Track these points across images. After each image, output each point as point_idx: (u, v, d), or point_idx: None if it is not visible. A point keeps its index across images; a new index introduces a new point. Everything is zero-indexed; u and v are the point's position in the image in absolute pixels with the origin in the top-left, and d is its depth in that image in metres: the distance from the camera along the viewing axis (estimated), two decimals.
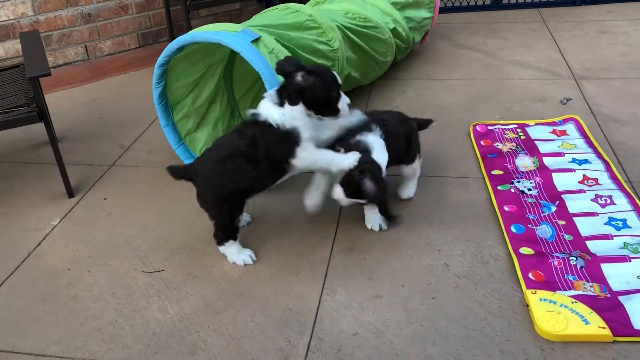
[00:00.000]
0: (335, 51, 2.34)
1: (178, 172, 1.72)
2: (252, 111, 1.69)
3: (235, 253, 1.76)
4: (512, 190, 2.01)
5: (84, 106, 2.94)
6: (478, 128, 2.41)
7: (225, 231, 1.73)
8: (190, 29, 3.37)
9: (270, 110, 1.64)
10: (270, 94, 1.68)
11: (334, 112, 1.67)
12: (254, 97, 2.44)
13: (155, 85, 2.12)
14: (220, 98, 2.36)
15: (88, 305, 1.65)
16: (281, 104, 1.64)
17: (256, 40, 1.96)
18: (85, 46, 3.46)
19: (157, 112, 2.18)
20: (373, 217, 1.87)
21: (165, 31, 3.69)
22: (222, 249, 1.77)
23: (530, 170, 2.10)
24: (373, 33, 2.57)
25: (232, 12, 3.89)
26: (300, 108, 1.64)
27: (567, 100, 2.58)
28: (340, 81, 1.69)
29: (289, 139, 1.64)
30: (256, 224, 1.94)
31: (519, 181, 2.05)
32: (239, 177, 1.66)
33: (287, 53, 2.06)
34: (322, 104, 1.65)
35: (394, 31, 2.74)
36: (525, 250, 1.71)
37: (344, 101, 1.68)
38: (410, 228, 1.86)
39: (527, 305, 1.51)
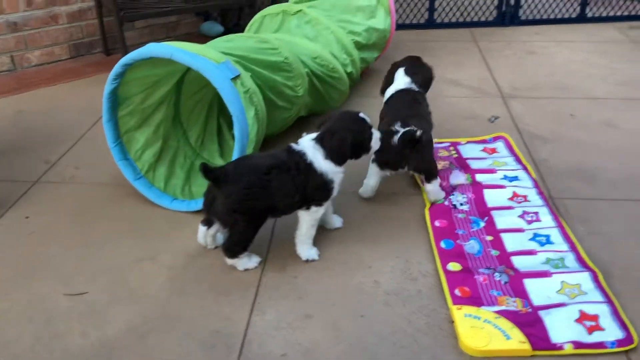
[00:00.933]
0: (298, 97, 2.37)
1: (211, 172, 1.65)
2: (297, 147, 1.76)
3: (246, 261, 1.76)
4: (446, 203, 2.05)
5: (8, 119, 2.81)
6: None
7: (244, 244, 1.73)
8: (124, 41, 3.31)
9: (317, 156, 1.74)
10: (314, 141, 1.77)
11: (367, 151, 1.86)
12: (195, 105, 2.37)
13: (110, 81, 2.01)
14: (169, 100, 2.28)
15: (3, 331, 1.57)
16: (326, 157, 1.75)
17: (235, 78, 1.95)
18: (12, 56, 3.32)
19: (104, 106, 2.05)
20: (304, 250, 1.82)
21: (99, 42, 3.59)
22: (234, 261, 1.76)
23: (463, 186, 2.15)
24: (335, 83, 2.61)
25: (168, 24, 3.83)
26: (342, 169, 1.79)
27: (495, 119, 2.67)
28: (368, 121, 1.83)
29: (327, 189, 1.77)
30: (186, 242, 1.89)
31: (452, 194, 2.09)
32: (281, 196, 1.71)
33: (259, 95, 2.08)
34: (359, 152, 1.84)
35: (349, 75, 2.78)
36: (453, 266, 1.74)
37: (375, 138, 1.85)
38: (342, 245, 1.86)
39: (453, 322, 1.53)
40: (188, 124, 2.35)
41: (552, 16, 4.02)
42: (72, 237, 1.94)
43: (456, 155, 2.38)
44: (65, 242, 1.91)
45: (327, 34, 2.72)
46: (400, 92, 2.22)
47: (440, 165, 2.30)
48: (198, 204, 2.03)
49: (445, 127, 2.61)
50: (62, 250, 1.88)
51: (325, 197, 1.78)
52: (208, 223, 1.82)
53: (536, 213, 1.98)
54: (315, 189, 1.75)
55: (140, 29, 3.71)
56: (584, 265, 1.72)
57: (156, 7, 3.34)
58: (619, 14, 4.03)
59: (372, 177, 2.07)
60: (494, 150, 2.41)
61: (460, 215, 1.99)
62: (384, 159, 2.01)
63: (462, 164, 2.31)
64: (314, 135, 1.78)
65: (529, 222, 1.94)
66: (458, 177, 2.21)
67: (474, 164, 2.30)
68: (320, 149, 1.74)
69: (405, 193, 2.14)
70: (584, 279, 1.66)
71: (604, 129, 2.55)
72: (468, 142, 2.49)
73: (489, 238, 1.88)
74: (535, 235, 1.88)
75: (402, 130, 1.94)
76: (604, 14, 4.02)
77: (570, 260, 1.75)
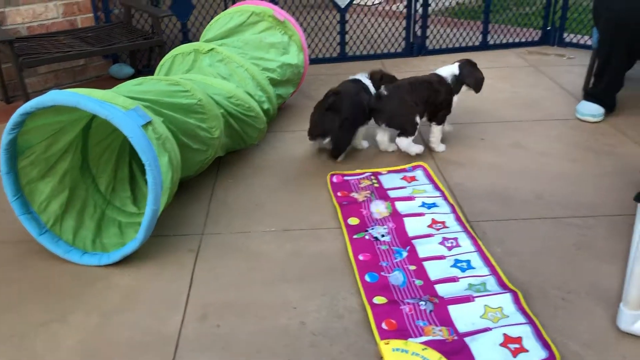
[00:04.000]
0: (213, 139, 2.31)
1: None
2: None
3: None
4: (367, 237, 2.04)
5: None
6: (334, 179, 2.45)
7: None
8: (25, 88, 3.14)
9: None
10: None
11: None
12: (104, 150, 2.26)
13: (7, 132, 1.86)
14: (75, 147, 2.16)
15: None
16: None
17: (146, 124, 1.87)
18: None
19: (1, 158, 1.89)
20: None
21: None
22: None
23: (384, 217, 2.16)
24: (251, 122, 2.57)
25: (75, 68, 3.68)
26: None
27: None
28: None
29: None
30: (99, 298, 1.78)
31: (373, 228, 2.09)
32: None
33: (172, 141, 2.00)
34: None
35: (266, 112, 2.76)
36: (379, 300, 1.73)
37: None
38: (266, 286, 1.81)
39: (382, 358, 1.51)
40: (97, 171, 2.24)
41: (457, 45, 4.20)
42: None
43: (377, 185, 2.39)
44: None
45: (241, 71, 2.70)
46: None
47: (362, 195, 2.31)
48: (111, 257, 1.93)
49: (363, 158, 2.63)
50: None
51: None
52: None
53: (455, 239, 2.01)
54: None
55: (44, 74, 3.54)
56: (505, 287, 1.75)
57: (58, 52, 3.19)
58: (517, 40, 4.28)
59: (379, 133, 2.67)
60: (413, 179, 2.45)
61: (382, 247, 1.99)
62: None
63: (382, 193, 2.32)
64: None
65: (450, 249, 1.97)
66: (378, 207, 2.22)
67: (394, 193, 2.33)
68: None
69: (328, 227, 2.12)
70: (505, 301, 1.69)
71: (513, 151, 2.65)
72: (389, 171, 2.52)
73: (412, 268, 1.88)
74: (457, 261, 1.90)
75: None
76: (504, 41, 4.26)
77: (491, 283, 1.78)
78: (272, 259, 1.94)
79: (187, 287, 1.81)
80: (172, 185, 1.98)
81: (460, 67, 2.65)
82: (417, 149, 2.62)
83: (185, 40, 3.83)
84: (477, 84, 2.66)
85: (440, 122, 2.64)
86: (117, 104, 1.86)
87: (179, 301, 1.75)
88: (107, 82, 3.70)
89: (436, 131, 2.66)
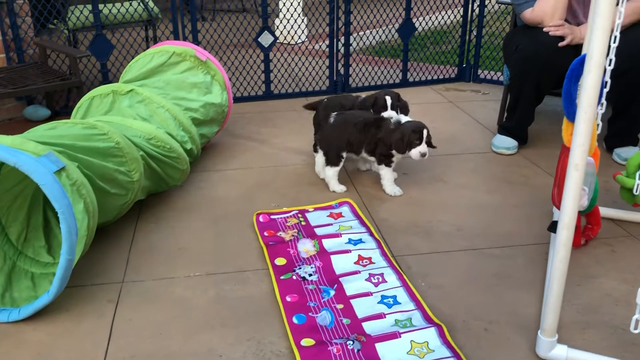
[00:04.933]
0: (133, 182, 2.24)
1: None
2: None
3: None
4: (294, 277, 2.02)
5: None
6: (261, 218, 2.43)
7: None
8: None
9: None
10: None
11: None
12: (14, 198, 2.13)
13: None
14: None
15: None
16: None
17: (59, 170, 1.78)
18: None
19: None
20: None
21: None
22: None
23: (311, 255, 2.15)
24: (173, 163, 2.51)
25: None
26: None
27: None
28: None
29: None
30: (7, 358, 1.66)
31: (300, 268, 2.08)
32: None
33: (88, 186, 1.92)
34: None
35: (189, 152, 2.71)
36: (307, 342, 1.70)
37: None
38: (190, 335, 1.75)
39: None
40: (7, 220, 2.11)
41: (378, 82, 4.33)
42: None
43: (304, 223, 2.39)
44: None
45: (162, 112, 2.66)
46: None
47: (289, 234, 2.30)
48: (21, 312, 1.81)
49: (290, 196, 2.63)
50: None
51: None
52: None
53: (381, 274, 2.03)
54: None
55: None
56: (430, 321, 1.78)
57: None
58: (435, 77, 4.46)
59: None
60: (339, 215, 2.46)
61: (310, 287, 1.98)
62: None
63: (310, 231, 2.32)
64: None
65: (376, 285, 1.98)
66: (305, 245, 2.21)
67: (321, 231, 2.33)
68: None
69: (254, 268, 2.09)
70: (430, 335, 1.71)
71: (434, 185, 2.73)
72: (315, 208, 2.52)
73: (340, 306, 1.87)
74: (383, 297, 1.91)
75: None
76: (423, 78, 4.43)
77: (417, 318, 1.80)
78: (196, 306, 1.88)
79: (105, 341, 1.72)
80: (89, 232, 1.90)
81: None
82: (338, 187, 2.67)
83: (105, 80, 3.74)
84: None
85: (380, 162, 2.65)
86: (28, 150, 1.78)
87: (96, 356, 1.66)
88: (21, 124, 3.54)
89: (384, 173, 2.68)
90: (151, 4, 4.31)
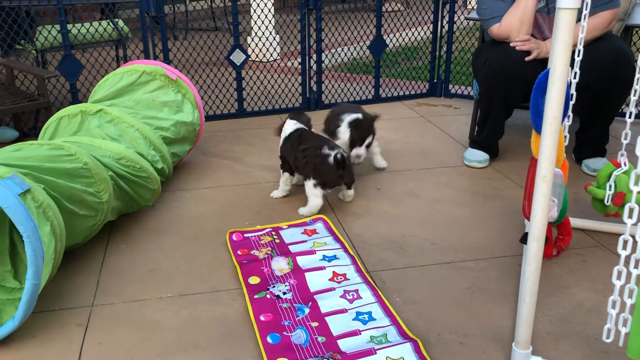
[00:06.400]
0: (102, 203, 2.20)
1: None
2: None
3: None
4: (268, 296, 2.00)
5: None
6: (234, 237, 2.40)
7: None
8: None
9: None
10: None
11: None
12: None
13: None
14: None
15: None
16: None
17: (25, 193, 1.74)
18: None
19: None
20: None
21: None
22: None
23: (285, 273, 2.13)
24: (144, 183, 2.48)
25: None
26: None
27: None
28: None
29: None
30: None
31: (274, 286, 2.05)
32: None
33: (55, 208, 1.88)
34: None
35: (161, 171, 2.68)
36: None
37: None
38: (161, 358, 1.71)
39: None
40: None
41: (351, 99, 4.35)
42: None
43: (278, 241, 2.37)
44: None
45: (132, 132, 2.62)
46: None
47: (263, 253, 2.27)
48: None
49: (264, 213, 2.61)
50: None
51: None
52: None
53: (356, 290, 2.01)
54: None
55: None
56: (405, 337, 1.77)
57: None
58: (407, 93, 4.51)
59: (320, 198, 2.58)
60: (314, 232, 2.45)
61: (284, 305, 1.95)
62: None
63: (284, 249, 2.30)
64: None
65: (351, 301, 1.96)
66: (279, 263, 2.19)
67: (295, 248, 2.31)
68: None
69: (227, 288, 2.06)
70: (406, 351, 1.70)
71: (407, 199, 2.74)
72: (289, 225, 2.51)
73: (315, 324, 1.85)
74: (358, 313, 1.90)
75: (333, 153, 2.52)
76: (395, 94, 4.47)
77: (392, 334, 1.79)
78: (168, 328, 1.84)
79: None
80: (56, 256, 1.85)
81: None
82: (275, 193, 2.78)
83: (75, 101, 3.69)
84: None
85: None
86: None
87: None
88: None
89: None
90: (121, 23, 4.29)
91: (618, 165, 2.13)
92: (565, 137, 2.09)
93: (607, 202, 2.12)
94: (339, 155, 2.51)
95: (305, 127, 2.75)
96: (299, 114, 2.86)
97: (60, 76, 3.60)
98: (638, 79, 1.78)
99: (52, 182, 1.99)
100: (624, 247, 1.40)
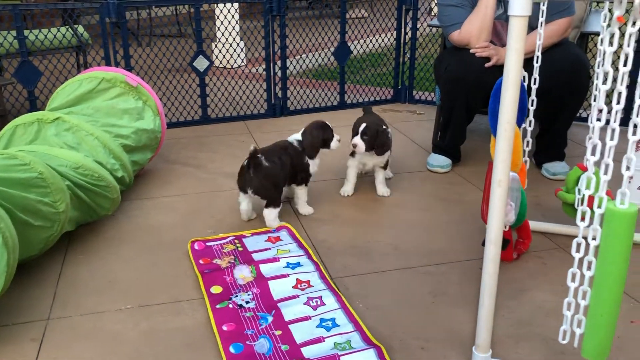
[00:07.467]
0: (59, 214, 2.14)
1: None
2: None
3: None
4: (231, 306, 1.97)
5: None
6: (196, 246, 2.36)
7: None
8: None
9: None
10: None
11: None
12: None
13: None
14: None
15: None
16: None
17: None
18: None
19: None
20: None
21: None
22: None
23: (248, 282, 2.11)
24: (102, 192, 2.42)
25: None
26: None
27: None
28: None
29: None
30: None
31: (236, 295, 2.03)
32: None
33: (7, 219, 1.82)
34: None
35: (121, 180, 2.63)
36: None
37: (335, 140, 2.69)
38: None
39: None
40: None
41: (317, 105, 4.36)
42: None
43: (242, 249, 2.34)
44: None
45: (91, 140, 2.57)
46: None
47: (225, 261, 2.25)
48: None
49: (227, 221, 2.59)
50: None
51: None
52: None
53: (320, 297, 2.01)
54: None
55: None
56: (369, 343, 1.76)
57: None
58: (372, 99, 4.53)
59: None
60: (278, 239, 2.43)
61: (247, 314, 1.93)
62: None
63: (247, 257, 2.28)
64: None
65: (315, 308, 1.95)
66: (242, 272, 2.17)
67: (258, 256, 2.29)
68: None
69: (189, 298, 2.02)
70: (369, 356, 1.69)
71: (371, 205, 2.75)
72: (253, 234, 2.48)
73: (278, 333, 1.84)
74: (322, 320, 1.89)
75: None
76: (360, 100, 4.49)
77: (356, 340, 1.78)
78: (126, 340, 1.80)
79: None
80: (9, 269, 1.80)
81: (302, 132, 2.68)
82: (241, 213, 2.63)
83: (33, 109, 3.60)
84: (310, 146, 2.64)
85: (299, 183, 2.67)
86: None
87: None
88: None
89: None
90: (81, 29, 4.21)
91: (585, 169, 2.16)
92: (528, 142, 2.13)
93: (577, 206, 2.16)
94: (245, 161, 2.48)
95: (288, 140, 2.66)
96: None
97: (17, 83, 3.51)
98: (594, 84, 1.83)
99: (4, 192, 1.93)
100: (577, 250, 1.43)
